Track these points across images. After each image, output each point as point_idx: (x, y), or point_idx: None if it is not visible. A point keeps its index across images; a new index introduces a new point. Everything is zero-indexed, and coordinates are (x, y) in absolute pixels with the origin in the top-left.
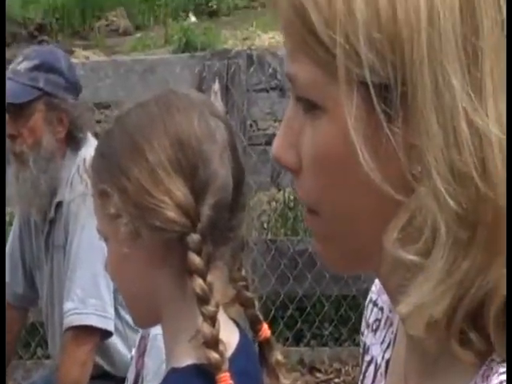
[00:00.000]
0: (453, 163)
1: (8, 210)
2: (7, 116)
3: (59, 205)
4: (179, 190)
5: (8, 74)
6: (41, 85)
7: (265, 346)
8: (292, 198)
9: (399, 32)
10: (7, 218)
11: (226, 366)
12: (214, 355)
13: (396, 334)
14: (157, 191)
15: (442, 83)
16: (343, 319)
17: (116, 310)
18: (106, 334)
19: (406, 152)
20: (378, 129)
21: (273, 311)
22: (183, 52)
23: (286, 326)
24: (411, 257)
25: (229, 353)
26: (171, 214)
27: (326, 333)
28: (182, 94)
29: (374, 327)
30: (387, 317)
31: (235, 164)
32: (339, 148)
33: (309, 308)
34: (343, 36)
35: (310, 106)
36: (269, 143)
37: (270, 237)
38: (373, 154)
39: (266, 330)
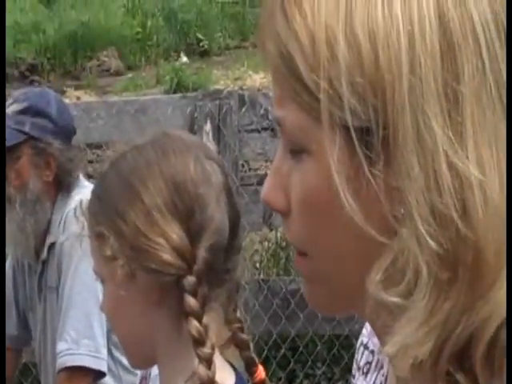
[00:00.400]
0: (433, 205)
1: None
2: None
3: (52, 246)
4: (175, 233)
5: None
6: (26, 129)
7: None
8: (284, 237)
9: (381, 77)
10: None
11: None
12: None
13: (387, 377)
14: (152, 234)
15: (422, 127)
16: (336, 359)
17: (109, 351)
18: (100, 374)
19: (388, 194)
20: (360, 172)
21: (265, 351)
22: (175, 92)
23: (278, 366)
24: (393, 299)
25: None
26: (167, 256)
27: (319, 372)
28: (177, 136)
29: (365, 370)
30: (378, 359)
31: (231, 207)
32: (324, 191)
33: (301, 348)
34: (327, 80)
35: (297, 150)
36: (260, 183)
37: (262, 276)
38: (355, 196)
39: (261, 372)
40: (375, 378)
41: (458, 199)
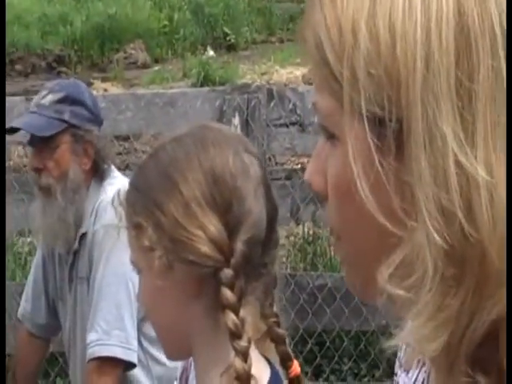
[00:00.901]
0: (441, 202)
1: (28, 239)
2: (32, 150)
3: (83, 236)
4: (213, 225)
5: (32, 107)
6: (66, 117)
7: (295, 383)
8: (311, 232)
9: (397, 70)
10: (27, 249)
11: None
12: None
13: (429, 373)
14: (191, 225)
15: (433, 124)
16: (362, 354)
17: (139, 342)
18: (129, 365)
19: (398, 187)
20: (373, 162)
21: (292, 346)
22: (201, 86)
23: (305, 361)
24: (401, 292)
25: None
26: (205, 248)
27: (345, 368)
28: (216, 129)
29: (407, 367)
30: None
31: (268, 200)
32: (345, 176)
33: (328, 343)
34: (349, 68)
35: (329, 135)
36: (288, 178)
37: (289, 271)
38: (370, 185)
39: (296, 367)
40: (417, 375)
41: (463, 198)
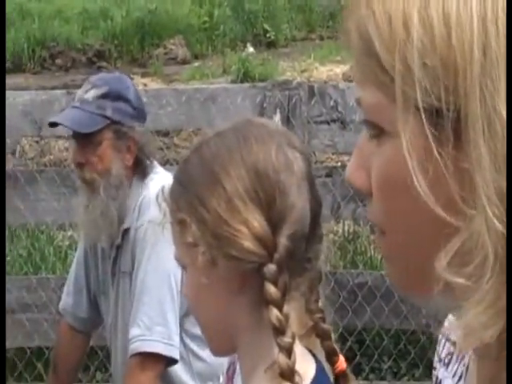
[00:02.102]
0: (501, 188)
1: (68, 233)
2: (74, 144)
3: (126, 231)
4: (256, 220)
5: (75, 102)
6: (108, 113)
7: (341, 379)
8: (351, 230)
9: (453, 59)
10: (67, 242)
11: None
12: None
13: (468, 367)
14: (234, 221)
15: (492, 111)
16: (402, 354)
17: (180, 338)
18: (171, 361)
19: (457, 176)
20: (431, 153)
21: None
22: (241, 82)
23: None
24: (461, 280)
25: None
26: (248, 244)
27: (385, 367)
28: (259, 124)
29: (447, 361)
30: None
31: (312, 195)
32: (397, 171)
33: (368, 341)
34: (401, 61)
35: (375, 130)
36: (329, 175)
37: (329, 269)
38: (426, 177)
39: (342, 362)
40: (456, 369)
41: None
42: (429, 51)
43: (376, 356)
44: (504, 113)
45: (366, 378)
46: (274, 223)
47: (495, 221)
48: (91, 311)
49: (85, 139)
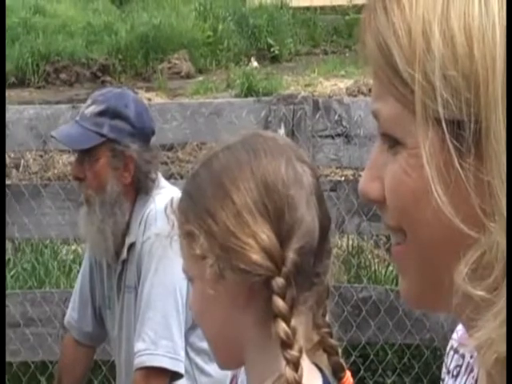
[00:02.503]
0: None
1: (72, 247)
2: (75, 158)
3: (132, 246)
4: (265, 234)
5: (76, 116)
6: (105, 131)
7: None
8: (355, 245)
9: (475, 71)
10: (71, 256)
11: None
12: None
13: (477, 379)
14: (242, 234)
15: None
16: (406, 368)
17: (186, 352)
18: (176, 375)
19: (478, 188)
20: (451, 165)
21: None
22: (245, 96)
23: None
24: (480, 293)
25: None
26: (256, 256)
27: (389, 381)
28: (269, 137)
29: (455, 373)
30: (468, 363)
31: (321, 210)
32: (415, 182)
33: (372, 356)
34: (421, 72)
35: (392, 141)
36: (333, 189)
37: (333, 283)
38: (446, 189)
39: (349, 378)
40: (465, 381)
41: None
42: (450, 63)
43: (380, 370)
44: None
45: None
46: (283, 237)
47: None
48: (96, 325)
49: (83, 155)
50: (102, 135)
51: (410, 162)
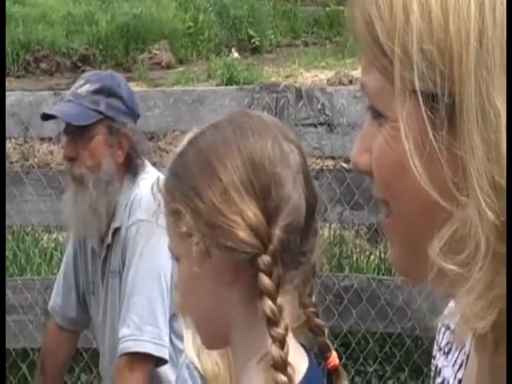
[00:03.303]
0: (493, 177)
1: (53, 236)
2: (66, 139)
3: (117, 230)
4: (251, 211)
5: (68, 96)
6: (102, 108)
7: (333, 375)
8: (337, 233)
9: (449, 45)
10: (52, 244)
11: None
12: (282, 378)
13: (468, 355)
14: (229, 211)
15: (486, 100)
16: (388, 357)
17: (170, 339)
18: (161, 361)
19: (451, 162)
20: (426, 137)
21: None
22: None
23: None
24: (454, 267)
25: (298, 378)
26: (242, 234)
27: (370, 370)
28: (255, 116)
29: (446, 350)
30: None
31: (308, 189)
32: (396, 154)
33: (353, 344)
34: (400, 45)
35: (377, 114)
36: (316, 178)
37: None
38: (422, 161)
39: (334, 358)
40: (457, 357)
41: None
42: (427, 36)
43: (361, 359)
44: (498, 103)
45: (352, 381)
46: (269, 214)
47: (487, 210)
48: (80, 311)
49: (77, 133)
50: (100, 112)
51: (391, 133)
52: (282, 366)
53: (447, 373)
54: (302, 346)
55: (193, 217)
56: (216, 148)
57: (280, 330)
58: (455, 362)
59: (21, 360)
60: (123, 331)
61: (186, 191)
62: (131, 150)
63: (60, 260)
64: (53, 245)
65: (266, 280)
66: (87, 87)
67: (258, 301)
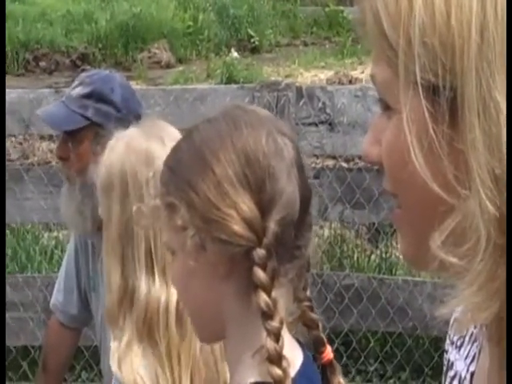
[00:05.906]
0: (494, 170)
1: (54, 234)
2: (60, 138)
3: None
4: (245, 205)
5: (64, 96)
6: (89, 114)
7: (328, 369)
8: (338, 233)
9: (451, 38)
10: (53, 242)
11: (288, 382)
12: (277, 371)
13: (481, 348)
14: (223, 205)
15: (487, 93)
16: (388, 356)
17: None
18: None
19: (452, 156)
20: (428, 130)
21: None
22: None
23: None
24: (455, 260)
25: (292, 372)
26: (237, 227)
27: (371, 369)
28: (249, 109)
29: (459, 344)
30: (472, 333)
31: (302, 182)
32: (402, 146)
33: (354, 343)
34: (404, 37)
35: (385, 106)
36: (316, 177)
37: (316, 271)
38: (424, 154)
39: (329, 353)
40: (469, 351)
41: None
42: (429, 29)
43: (362, 358)
44: (499, 97)
45: (352, 380)
46: (264, 207)
47: (488, 203)
48: (82, 308)
49: (68, 135)
50: (87, 118)
51: (398, 126)
52: (276, 359)
53: (459, 366)
54: (297, 340)
55: (187, 210)
56: (210, 141)
57: (275, 324)
58: (467, 355)
59: (21, 358)
60: None
61: (180, 185)
62: None
63: (60, 258)
64: (53, 243)
65: (260, 273)
66: (79, 90)
67: (253, 294)
